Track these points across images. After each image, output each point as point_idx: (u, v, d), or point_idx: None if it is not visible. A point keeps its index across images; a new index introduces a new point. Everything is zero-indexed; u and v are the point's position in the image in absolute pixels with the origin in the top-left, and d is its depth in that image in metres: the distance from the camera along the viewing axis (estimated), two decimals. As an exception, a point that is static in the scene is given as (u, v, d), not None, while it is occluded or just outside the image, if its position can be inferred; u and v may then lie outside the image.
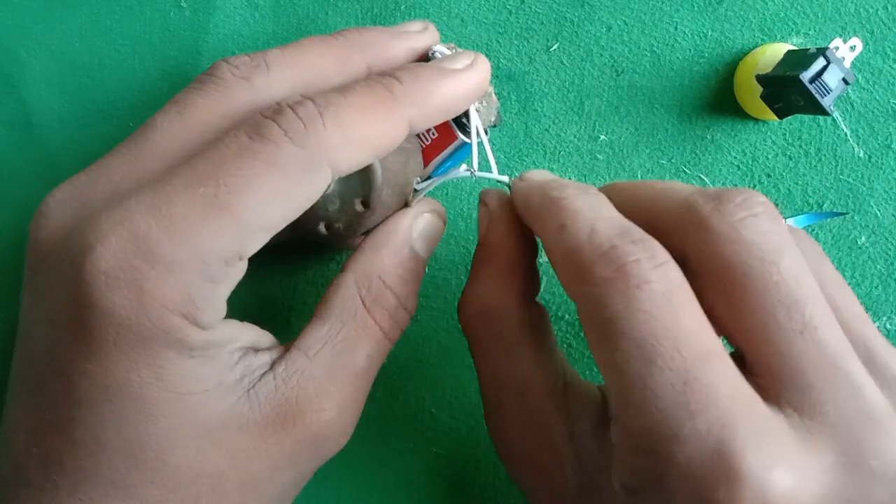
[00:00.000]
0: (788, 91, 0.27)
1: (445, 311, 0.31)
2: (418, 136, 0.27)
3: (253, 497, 0.22)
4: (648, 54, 0.30)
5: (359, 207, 0.25)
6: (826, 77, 0.26)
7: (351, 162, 0.22)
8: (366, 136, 0.21)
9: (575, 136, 0.30)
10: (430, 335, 0.31)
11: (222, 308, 0.21)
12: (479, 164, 0.26)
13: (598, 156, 0.30)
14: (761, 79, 0.28)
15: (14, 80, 0.30)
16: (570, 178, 0.30)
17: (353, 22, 0.30)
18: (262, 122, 0.21)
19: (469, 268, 0.31)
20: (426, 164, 0.27)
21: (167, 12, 0.30)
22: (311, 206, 0.22)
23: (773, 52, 0.29)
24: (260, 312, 0.30)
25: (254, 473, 0.22)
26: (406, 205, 0.26)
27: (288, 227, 0.21)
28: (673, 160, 0.30)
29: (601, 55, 0.30)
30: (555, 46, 0.30)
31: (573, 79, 0.30)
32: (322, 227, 0.25)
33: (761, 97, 0.28)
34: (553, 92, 0.30)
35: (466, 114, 0.26)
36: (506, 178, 0.26)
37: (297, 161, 0.20)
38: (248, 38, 0.30)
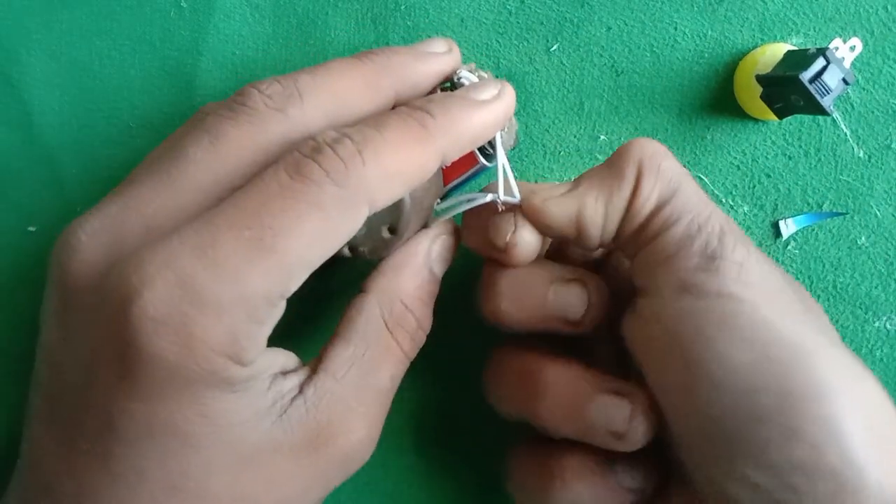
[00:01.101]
0: (788, 91, 0.26)
1: (446, 311, 0.31)
2: None
3: None
4: (648, 54, 0.30)
5: (386, 234, 0.25)
6: (826, 77, 0.26)
7: (387, 197, 0.22)
8: (401, 171, 0.22)
9: (575, 136, 0.30)
10: (431, 335, 0.31)
11: (264, 344, 0.21)
12: (502, 188, 0.25)
13: (598, 156, 0.30)
14: (761, 79, 0.28)
15: (14, 80, 0.30)
16: (570, 179, 0.30)
17: (352, 23, 0.30)
18: (303, 161, 0.20)
19: (467, 270, 0.31)
20: (445, 184, 0.27)
21: (167, 12, 0.30)
22: None
23: (772, 53, 0.28)
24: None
25: (288, 493, 0.22)
26: (425, 226, 0.26)
27: None
28: (673, 160, 0.30)
29: (601, 55, 0.30)
30: (555, 47, 0.30)
31: (573, 79, 0.30)
32: (346, 250, 0.26)
33: (761, 97, 0.28)
34: (553, 92, 0.30)
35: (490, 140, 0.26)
36: None
37: (338, 201, 0.20)
38: (248, 39, 0.30)
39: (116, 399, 0.20)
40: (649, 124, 0.30)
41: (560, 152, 0.30)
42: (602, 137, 0.30)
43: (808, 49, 0.27)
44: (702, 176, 0.30)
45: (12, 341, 0.31)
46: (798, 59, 0.27)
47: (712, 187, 0.30)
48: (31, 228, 0.30)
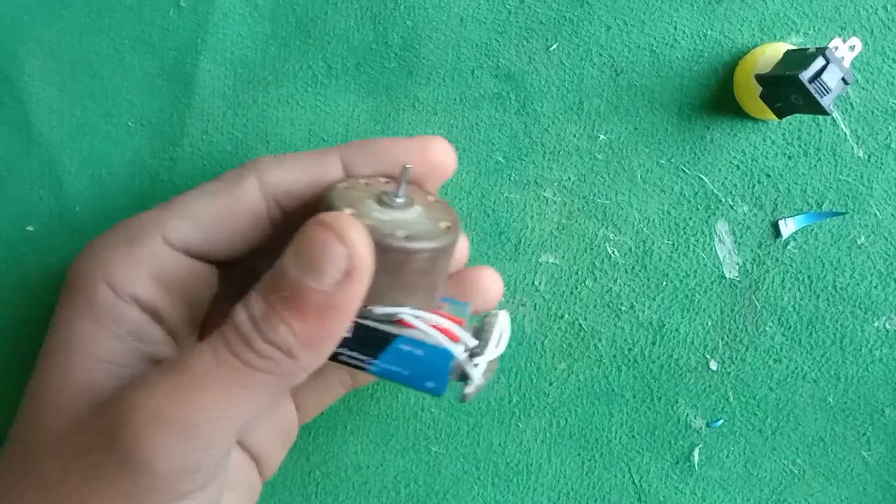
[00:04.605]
0: (788, 91, 0.27)
1: (445, 310, 0.31)
2: None
3: None
4: (648, 54, 0.30)
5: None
6: (825, 77, 0.26)
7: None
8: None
9: (574, 136, 0.30)
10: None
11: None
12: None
13: (598, 155, 0.30)
14: (761, 78, 0.28)
15: (13, 78, 0.30)
16: (569, 178, 0.30)
17: (352, 22, 0.30)
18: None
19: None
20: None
21: (166, 11, 0.30)
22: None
23: (772, 52, 0.29)
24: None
25: None
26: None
27: None
28: (672, 160, 0.30)
29: (600, 55, 0.30)
30: (554, 46, 0.30)
31: (572, 78, 0.30)
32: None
33: (761, 97, 0.28)
34: (552, 91, 0.30)
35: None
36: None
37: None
38: (248, 38, 0.30)
39: None
40: (649, 124, 0.30)
41: (559, 152, 0.30)
42: (602, 137, 0.30)
43: (808, 48, 0.27)
44: (702, 176, 0.30)
45: (11, 341, 0.31)
46: (797, 59, 0.27)
47: (712, 187, 0.30)
48: (30, 228, 0.30)
